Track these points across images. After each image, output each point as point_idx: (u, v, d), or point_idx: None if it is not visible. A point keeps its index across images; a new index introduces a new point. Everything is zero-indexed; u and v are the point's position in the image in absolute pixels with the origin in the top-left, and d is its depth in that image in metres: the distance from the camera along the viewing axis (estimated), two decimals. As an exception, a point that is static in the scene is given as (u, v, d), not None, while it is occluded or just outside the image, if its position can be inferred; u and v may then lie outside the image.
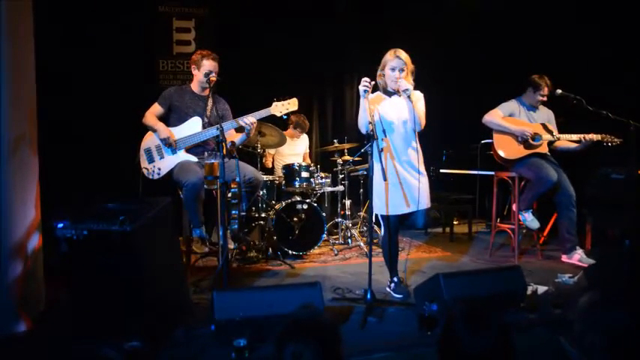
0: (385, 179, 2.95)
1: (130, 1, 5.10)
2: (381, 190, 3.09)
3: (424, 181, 3.14)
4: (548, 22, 5.18)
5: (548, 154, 4.11)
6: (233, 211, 3.98)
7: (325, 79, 5.95)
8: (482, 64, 5.78)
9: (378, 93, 3.24)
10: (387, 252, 3.26)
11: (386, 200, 3.11)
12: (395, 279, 3.25)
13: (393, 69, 3.11)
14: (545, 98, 4.09)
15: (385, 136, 3.10)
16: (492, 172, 4.38)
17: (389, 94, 3.21)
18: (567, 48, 5.02)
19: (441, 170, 5.17)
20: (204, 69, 3.59)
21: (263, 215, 4.47)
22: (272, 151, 5.16)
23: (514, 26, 5.44)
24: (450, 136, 5.46)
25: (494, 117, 4.08)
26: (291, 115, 5.05)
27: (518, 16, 5.41)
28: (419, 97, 3.17)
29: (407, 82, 3.06)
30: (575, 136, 4.02)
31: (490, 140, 4.18)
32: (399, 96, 3.13)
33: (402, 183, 3.11)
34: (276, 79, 5.35)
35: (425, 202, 3.15)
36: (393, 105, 3.17)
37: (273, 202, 4.64)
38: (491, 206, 4.49)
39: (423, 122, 3.13)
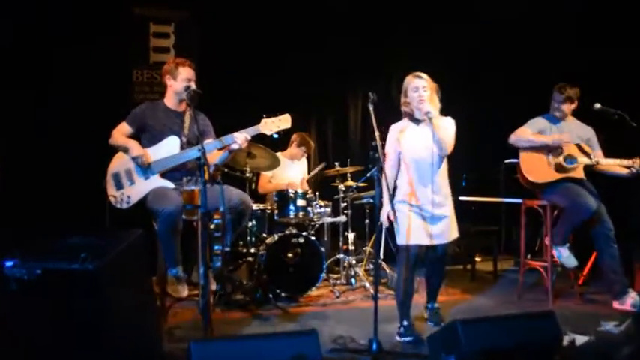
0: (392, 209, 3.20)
1: (101, 1, 5.16)
2: (404, 217, 3.34)
3: (450, 211, 3.42)
4: (577, 30, 5.36)
5: (585, 179, 4.08)
6: (216, 246, 3.98)
7: (325, 94, 6.04)
8: (505, 78, 5.89)
9: (404, 121, 3.51)
10: (400, 291, 3.37)
11: (408, 227, 3.34)
12: (405, 322, 3.33)
13: (415, 89, 3.38)
14: (565, 109, 4.09)
15: (405, 164, 3.37)
16: (519, 200, 4.39)
17: (417, 121, 3.46)
18: (605, 57, 5.12)
19: (461, 198, 5.15)
20: (182, 78, 3.63)
21: (252, 250, 4.46)
22: (269, 173, 5.17)
23: (537, 36, 5.62)
24: (471, 158, 5.51)
25: (522, 134, 4.11)
26: (294, 134, 5.14)
27: (540, 25, 5.60)
28: (447, 124, 3.43)
29: (430, 105, 3.33)
30: (625, 162, 3.96)
31: (515, 160, 4.21)
32: (424, 123, 3.41)
33: (426, 212, 3.36)
34: (268, 94, 5.42)
35: (449, 234, 3.43)
36: (421, 132, 3.42)
37: (264, 234, 4.64)
38: (519, 240, 4.48)
39: (449, 148, 3.39)
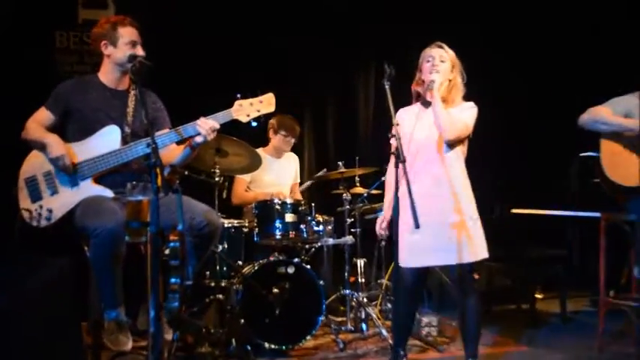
0: (417, 223, 3.10)
1: None
2: (404, 232, 3.38)
3: (467, 219, 3.46)
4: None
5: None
6: (173, 279, 3.89)
7: (324, 73, 6.10)
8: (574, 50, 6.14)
9: (413, 106, 3.69)
10: (393, 325, 3.58)
11: (400, 241, 3.32)
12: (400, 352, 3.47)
13: (430, 59, 3.54)
14: None
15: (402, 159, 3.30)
16: (598, 214, 4.36)
17: (427, 104, 3.59)
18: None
19: (513, 210, 5.13)
20: (124, 42, 3.63)
21: (223, 284, 4.45)
22: (247, 177, 5.19)
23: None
24: (525, 155, 5.59)
25: (599, 114, 4.12)
26: (271, 118, 5.15)
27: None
28: (463, 107, 3.56)
29: (438, 76, 3.47)
30: None
31: (593, 154, 4.21)
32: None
33: (427, 224, 3.25)
34: (248, 68, 5.51)
35: (463, 252, 3.40)
36: (426, 116, 3.56)
37: (239, 263, 4.65)
38: (597, 269, 4.41)
39: (452, 132, 3.47)
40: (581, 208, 4.82)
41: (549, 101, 6.06)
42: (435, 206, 3.48)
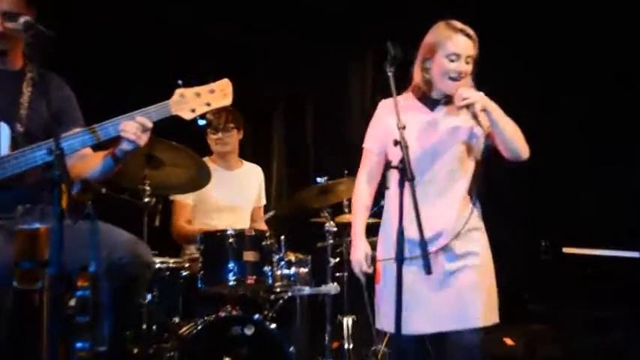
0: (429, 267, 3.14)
1: None
2: (390, 277, 3.44)
3: (480, 268, 3.57)
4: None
5: None
6: (80, 344, 3.81)
7: (301, 62, 6.29)
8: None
9: (406, 96, 3.77)
10: None
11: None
12: None
13: (453, 57, 3.55)
14: None
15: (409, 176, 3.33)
16: None
17: (429, 102, 3.71)
18: None
19: (565, 249, 5.08)
20: (9, 3, 3.56)
21: (151, 351, 4.45)
22: (188, 199, 5.20)
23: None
24: (576, 174, 5.71)
25: None
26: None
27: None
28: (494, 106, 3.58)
29: (470, 91, 3.51)
30: None
31: None
32: (446, 108, 3.66)
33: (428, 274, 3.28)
34: (198, 49, 5.81)
35: (473, 315, 3.50)
36: (432, 123, 3.67)
37: (176, 319, 4.64)
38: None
39: (525, 148, 3.57)
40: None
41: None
42: (454, 242, 3.57)
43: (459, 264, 3.56)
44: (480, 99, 3.44)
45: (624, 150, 5.12)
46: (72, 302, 3.91)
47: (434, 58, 3.59)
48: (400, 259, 3.13)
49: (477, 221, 3.67)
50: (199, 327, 4.36)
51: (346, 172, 5.21)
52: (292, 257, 4.77)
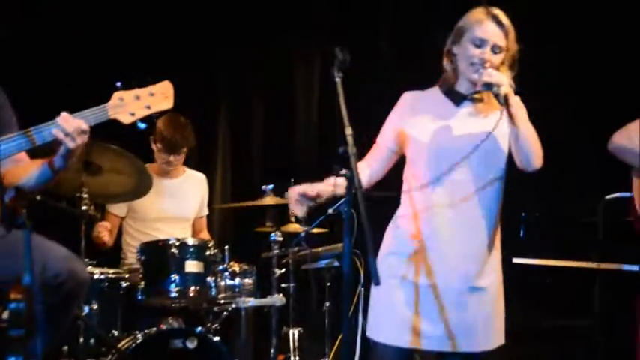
0: (377, 282, 3.04)
1: None
2: (388, 287, 3.38)
3: (496, 287, 3.53)
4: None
5: None
6: (12, 358, 3.71)
7: (250, 48, 6.30)
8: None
9: (433, 91, 3.63)
10: None
11: (389, 305, 3.43)
12: None
13: (479, 43, 3.39)
14: None
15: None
16: (636, 267, 4.47)
17: (455, 96, 3.53)
18: None
19: (515, 260, 5.06)
20: None
21: None
22: (120, 210, 5.27)
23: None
24: (539, 189, 5.63)
25: (632, 135, 4.21)
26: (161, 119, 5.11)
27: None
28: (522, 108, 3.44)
29: (498, 74, 3.32)
30: None
31: (624, 194, 4.42)
32: (475, 101, 3.51)
33: (444, 283, 3.39)
34: (142, 47, 5.80)
35: (486, 337, 3.47)
36: (460, 122, 3.50)
37: (116, 332, 4.63)
38: (633, 348, 4.47)
39: (537, 159, 3.42)
40: (609, 257, 4.91)
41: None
42: (457, 262, 3.43)
43: (480, 282, 3.45)
44: (506, 84, 3.27)
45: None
46: (5, 315, 3.82)
47: (460, 42, 3.47)
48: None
49: (497, 239, 3.57)
50: (139, 340, 4.32)
51: (292, 180, 5.17)
52: (237, 267, 4.76)
